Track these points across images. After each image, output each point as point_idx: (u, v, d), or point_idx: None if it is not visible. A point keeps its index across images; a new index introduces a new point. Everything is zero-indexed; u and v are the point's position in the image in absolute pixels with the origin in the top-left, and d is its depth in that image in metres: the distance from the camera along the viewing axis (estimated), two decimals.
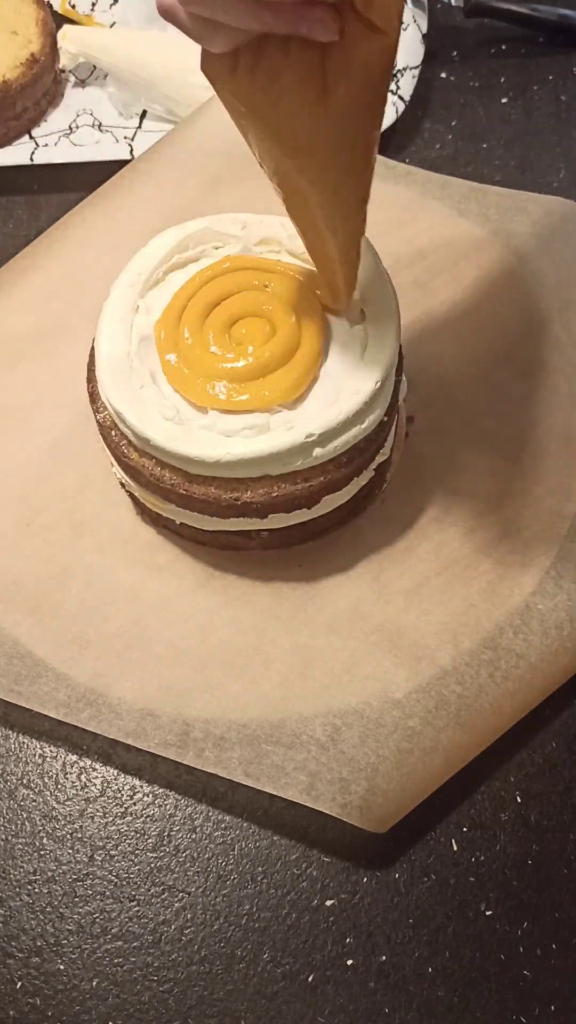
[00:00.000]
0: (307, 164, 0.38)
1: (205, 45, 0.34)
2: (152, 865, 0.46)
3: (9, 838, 0.46)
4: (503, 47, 0.70)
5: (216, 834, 0.46)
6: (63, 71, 0.68)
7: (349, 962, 0.44)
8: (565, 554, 0.49)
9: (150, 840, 0.46)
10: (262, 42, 0.34)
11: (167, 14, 0.33)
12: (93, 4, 0.72)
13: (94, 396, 0.47)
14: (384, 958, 0.44)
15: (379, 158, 0.60)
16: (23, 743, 0.48)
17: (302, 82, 0.34)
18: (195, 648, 0.48)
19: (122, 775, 0.48)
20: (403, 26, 0.66)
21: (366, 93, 0.35)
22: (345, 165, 0.38)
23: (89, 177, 0.62)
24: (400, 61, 0.66)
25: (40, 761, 0.48)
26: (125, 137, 0.65)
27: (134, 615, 0.49)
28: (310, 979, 0.43)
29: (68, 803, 0.47)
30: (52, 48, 0.67)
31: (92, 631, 0.49)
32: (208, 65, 0.35)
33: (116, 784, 0.47)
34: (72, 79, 0.69)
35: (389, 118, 0.64)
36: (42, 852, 0.46)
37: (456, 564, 0.50)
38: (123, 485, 0.51)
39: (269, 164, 0.39)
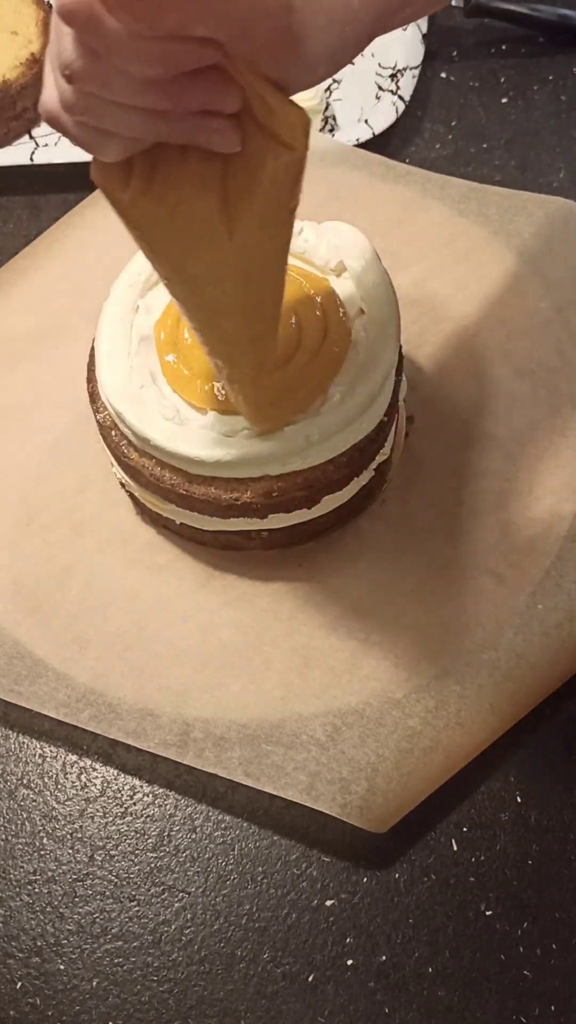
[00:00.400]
0: (205, 294, 0.36)
1: (95, 154, 0.31)
2: (152, 865, 0.46)
3: (9, 838, 0.46)
4: (503, 47, 0.70)
5: (216, 834, 0.46)
6: None
7: (349, 962, 0.44)
8: (565, 554, 0.49)
9: (150, 840, 0.46)
10: (158, 150, 0.31)
11: (52, 122, 0.31)
12: None
13: (94, 396, 0.47)
14: (384, 958, 0.44)
15: (379, 158, 0.61)
16: (23, 743, 0.48)
17: (201, 196, 0.31)
18: (195, 648, 0.48)
19: (122, 775, 0.48)
20: (403, 26, 0.66)
21: (272, 214, 0.33)
22: (247, 297, 0.36)
23: (89, 177, 0.62)
24: (400, 61, 0.66)
25: (40, 761, 0.48)
26: None
27: (134, 615, 0.49)
28: (310, 979, 0.43)
29: (68, 803, 0.47)
30: None
31: (92, 631, 0.49)
32: (98, 173, 0.32)
33: (116, 784, 0.47)
34: None
35: (389, 118, 0.64)
36: (42, 852, 0.46)
37: (456, 564, 0.50)
38: (123, 485, 0.51)
39: (174, 288, 0.37)
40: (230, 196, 0.31)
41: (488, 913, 0.44)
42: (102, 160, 0.32)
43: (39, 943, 0.44)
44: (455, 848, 0.46)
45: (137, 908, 0.45)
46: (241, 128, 0.30)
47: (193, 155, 0.31)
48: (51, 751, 0.48)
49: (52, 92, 0.30)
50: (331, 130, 0.65)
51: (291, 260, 0.47)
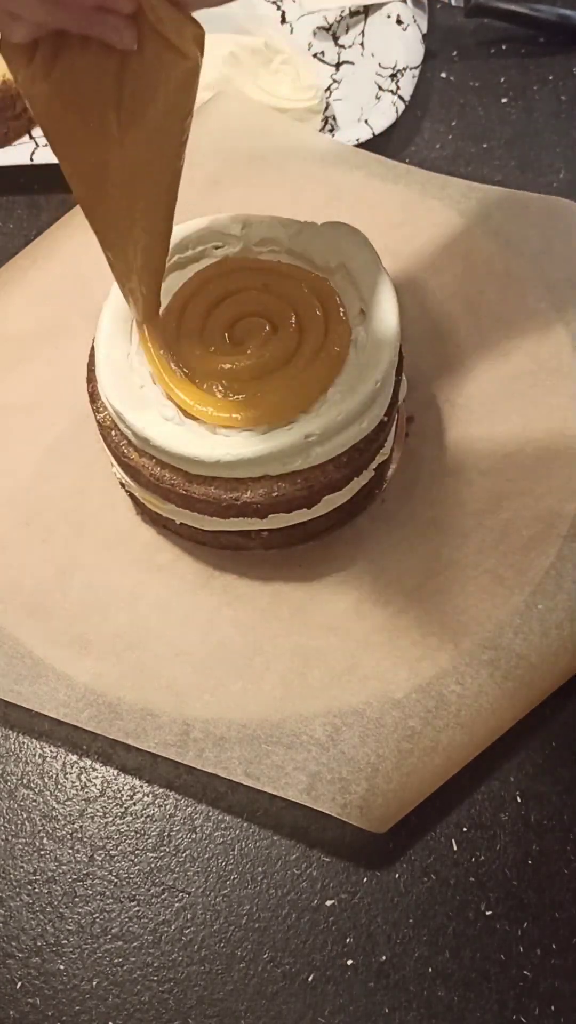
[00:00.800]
0: (92, 189, 0.37)
1: (3, 34, 0.34)
2: (152, 865, 0.46)
3: (9, 838, 0.46)
4: (503, 47, 0.70)
5: (216, 834, 0.46)
6: None
7: (349, 962, 0.44)
8: (565, 554, 0.49)
9: (150, 840, 0.46)
10: (61, 39, 0.33)
11: None
12: None
13: (94, 396, 0.47)
14: (384, 958, 0.44)
15: (379, 158, 0.61)
16: (23, 743, 0.48)
17: (96, 90, 0.33)
18: (195, 648, 0.48)
19: (122, 775, 0.48)
20: (403, 26, 0.66)
21: (164, 125, 0.34)
22: (130, 202, 0.37)
23: None
24: (400, 61, 0.66)
25: (40, 761, 0.48)
26: None
27: (134, 615, 0.49)
28: (310, 979, 0.43)
29: (68, 803, 0.47)
30: None
31: (92, 631, 0.49)
32: (6, 51, 0.35)
33: (116, 784, 0.47)
34: None
35: (389, 118, 0.64)
36: (42, 852, 0.46)
37: (456, 564, 0.50)
38: (123, 485, 0.51)
39: (69, 173, 0.38)
40: (125, 99, 0.33)
41: (488, 913, 0.44)
42: (9, 40, 0.34)
43: (39, 943, 0.44)
44: (455, 848, 0.46)
45: (137, 908, 0.45)
46: (139, 32, 0.32)
47: (93, 48, 0.33)
48: (51, 751, 0.48)
49: None
50: (331, 130, 0.65)
51: (291, 260, 0.47)
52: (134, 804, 0.47)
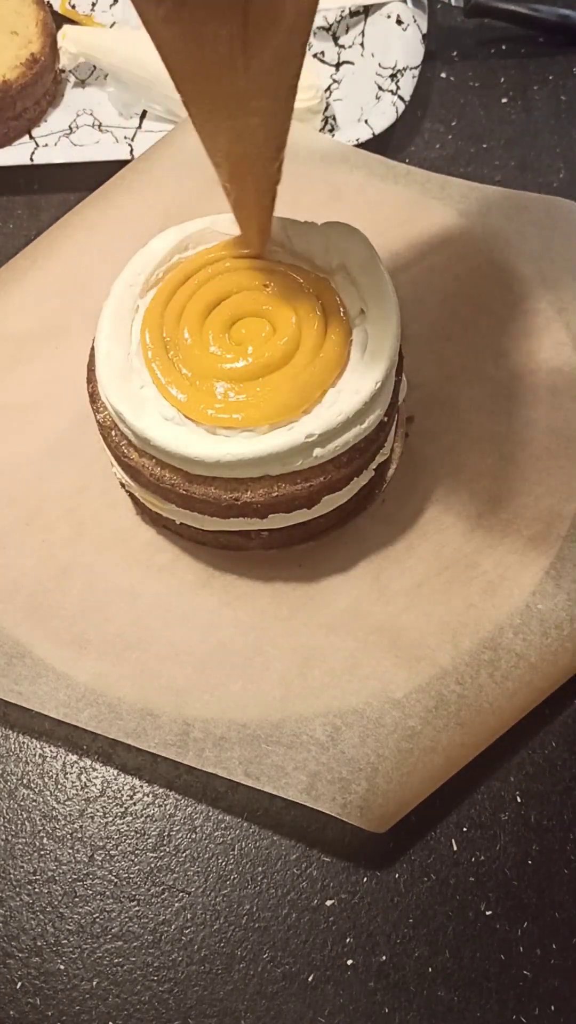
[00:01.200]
0: (217, 118, 0.38)
1: None
2: (152, 865, 0.46)
3: (9, 838, 0.46)
4: (503, 47, 0.70)
5: (216, 834, 0.46)
6: (63, 71, 0.68)
7: (349, 962, 0.44)
8: (565, 554, 0.49)
9: (150, 840, 0.46)
10: None
11: None
12: (93, 4, 0.72)
13: (94, 396, 0.47)
14: (384, 958, 0.44)
15: (379, 158, 0.61)
16: (23, 743, 0.48)
17: (224, 21, 0.34)
18: (195, 648, 0.48)
19: (122, 775, 0.48)
20: (403, 26, 0.66)
21: (286, 49, 0.35)
22: (260, 116, 0.38)
23: (89, 177, 0.62)
24: (400, 61, 0.66)
25: (40, 761, 0.48)
26: (125, 137, 0.65)
27: (134, 615, 0.49)
28: (310, 979, 0.43)
29: (68, 803, 0.47)
30: (52, 48, 0.67)
31: (92, 631, 0.49)
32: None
33: (116, 784, 0.47)
34: (72, 79, 0.69)
35: (389, 118, 0.64)
36: (42, 852, 0.46)
37: (456, 564, 0.50)
38: (123, 485, 0.51)
39: (191, 107, 0.39)
40: (250, 27, 0.34)
41: (488, 913, 0.44)
42: None
43: (39, 943, 0.44)
44: (455, 848, 0.46)
45: (137, 908, 0.45)
46: None
47: None
48: (51, 751, 0.48)
49: None
50: (331, 130, 0.65)
51: (291, 260, 0.47)
52: (134, 804, 0.47)
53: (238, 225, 0.46)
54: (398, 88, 0.65)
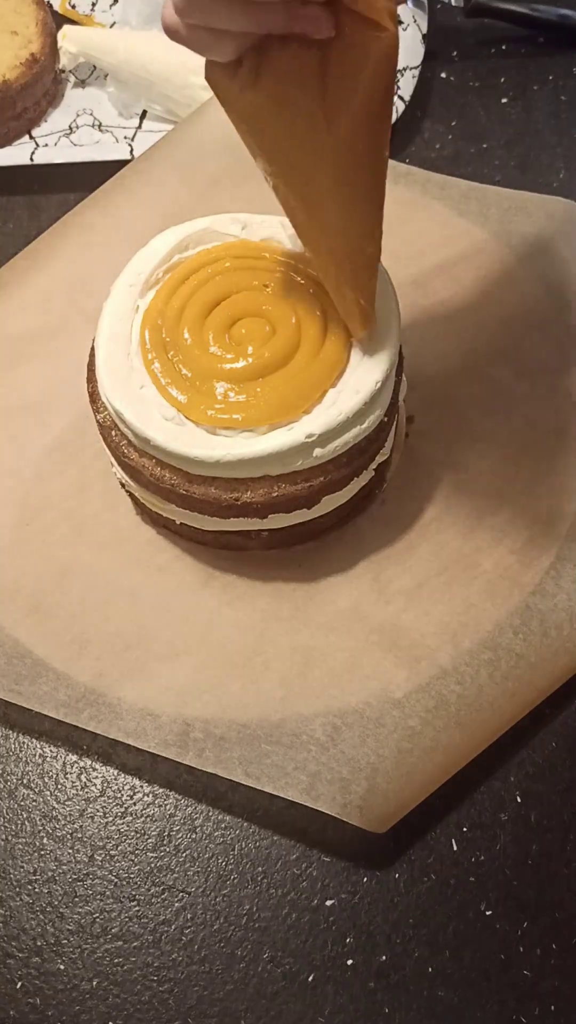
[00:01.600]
0: (307, 189, 0.38)
1: (210, 55, 0.35)
2: (152, 865, 0.46)
3: (9, 838, 0.46)
4: (503, 47, 0.70)
5: (216, 834, 0.46)
6: (63, 71, 0.68)
7: (349, 962, 0.44)
8: (565, 554, 0.49)
9: (150, 840, 0.46)
10: (264, 46, 0.34)
11: (170, 32, 0.35)
12: (93, 4, 0.72)
13: (94, 396, 0.47)
14: (384, 958, 0.44)
15: None
16: (23, 743, 0.48)
17: (302, 86, 0.34)
18: (195, 648, 0.48)
19: (122, 775, 0.48)
20: (403, 26, 0.66)
21: (369, 109, 0.35)
22: (351, 191, 0.38)
23: (89, 177, 0.62)
24: (400, 61, 0.65)
25: (40, 761, 0.48)
26: (125, 137, 0.65)
27: (134, 615, 0.49)
28: (310, 979, 0.43)
29: (68, 803, 0.47)
30: (52, 48, 0.67)
31: (92, 631, 0.49)
32: (211, 72, 0.36)
33: (116, 784, 0.47)
34: (72, 79, 0.69)
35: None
36: (42, 852, 0.46)
37: (456, 564, 0.50)
38: (123, 485, 0.51)
39: (278, 185, 0.39)
40: (329, 89, 0.34)
41: (488, 913, 0.44)
42: (216, 60, 0.36)
43: (39, 943, 0.44)
44: (455, 848, 0.46)
45: (137, 908, 0.45)
46: (335, 17, 0.33)
47: (292, 47, 0.34)
48: (51, 751, 0.48)
49: (168, 6, 0.35)
50: None
51: (291, 260, 0.47)
52: (134, 804, 0.47)
53: (338, 309, 0.44)
54: (398, 88, 0.65)
